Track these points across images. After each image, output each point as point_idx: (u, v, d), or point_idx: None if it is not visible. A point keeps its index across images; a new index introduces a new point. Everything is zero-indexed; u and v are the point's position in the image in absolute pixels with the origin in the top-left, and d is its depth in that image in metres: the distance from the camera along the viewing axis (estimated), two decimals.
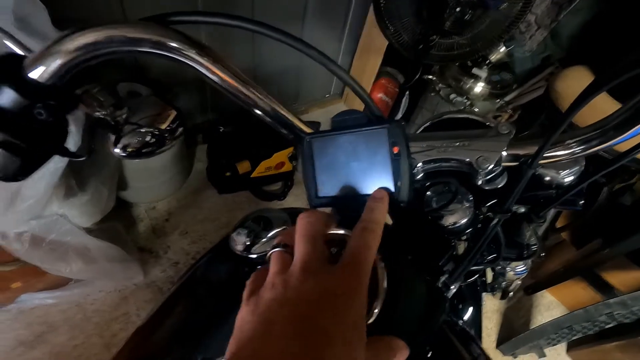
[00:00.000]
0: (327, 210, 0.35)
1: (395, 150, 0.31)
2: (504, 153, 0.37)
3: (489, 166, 0.36)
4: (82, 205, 0.96)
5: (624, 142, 0.32)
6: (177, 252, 1.35)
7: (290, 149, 1.50)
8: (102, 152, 0.95)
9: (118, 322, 1.17)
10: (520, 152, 0.36)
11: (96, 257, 1.00)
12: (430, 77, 1.54)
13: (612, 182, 1.17)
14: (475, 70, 1.44)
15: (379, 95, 1.86)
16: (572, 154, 0.34)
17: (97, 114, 0.33)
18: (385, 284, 0.30)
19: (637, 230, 1.02)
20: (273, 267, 0.27)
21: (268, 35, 0.33)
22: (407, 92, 1.69)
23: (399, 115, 1.81)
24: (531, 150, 0.35)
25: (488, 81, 1.44)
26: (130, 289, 1.23)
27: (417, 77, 1.06)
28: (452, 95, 1.51)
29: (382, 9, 1.03)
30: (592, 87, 0.28)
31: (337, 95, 2.00)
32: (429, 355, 0.38)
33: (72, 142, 0.32)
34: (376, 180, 0.33)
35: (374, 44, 1.62)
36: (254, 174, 1.48)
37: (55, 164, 0.72)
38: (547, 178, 0.42)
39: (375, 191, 0.31)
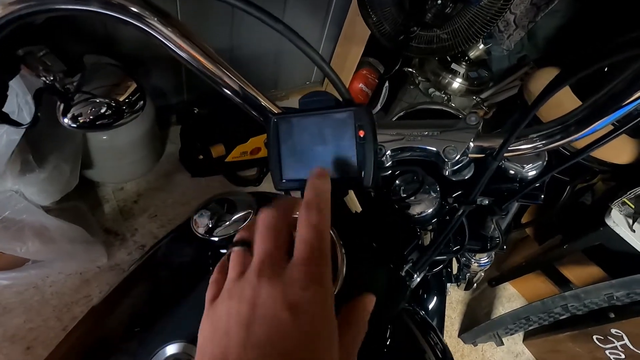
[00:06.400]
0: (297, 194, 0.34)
1: (361, 134, 0.30)
2: (471, 144, 0.37)
3: (456, 156, 0.36)
4: (40, 182, 0.90)
5: (581, 140, 0.33)
6: (144, 236, 1.31)
7: None
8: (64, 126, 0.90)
9: (79, 305, 1.12)
10: (487, 144, 0.36)
11: (55, 238, 0.95)
12: (410, 70, 1.54)
13: (575, 181, 1.22)
14: (454, 66, 1.46)
15: (359, 86, 1.85)
16: (535, 148, 0.34)
17: (43, 79, 0.30)
18: (344, 270, 0.30)
19: (594, 228, 1.07)
20: (231, 271, 0.25)
21: (244, 10, 0.30)
22: (387, 84, 1.70)
23: (378, 107, 1.82)
24: (497, 143, 0.35)
25: (466, 77, 1.47)
26: (93, 271, 1.18)
27: (396, 68, 1.06)
28: (431, 90, 1.53)
29: None
30: (554, 83, 0.28)
31: (317, 83, 1.98)
32: (388, 342, 0.38)
33: (26, 111, 0.29)
34: (342, 163, 0.32)
35: (357, 32, 1.60)
36: (228, 159, 1.45)
37: (8, 136, 0.67)
38: (512, 171, 0.42)
39: (313, 169, 0.27)
